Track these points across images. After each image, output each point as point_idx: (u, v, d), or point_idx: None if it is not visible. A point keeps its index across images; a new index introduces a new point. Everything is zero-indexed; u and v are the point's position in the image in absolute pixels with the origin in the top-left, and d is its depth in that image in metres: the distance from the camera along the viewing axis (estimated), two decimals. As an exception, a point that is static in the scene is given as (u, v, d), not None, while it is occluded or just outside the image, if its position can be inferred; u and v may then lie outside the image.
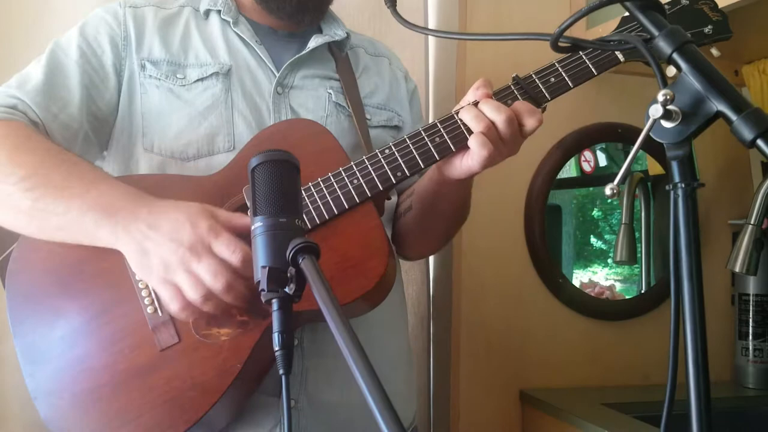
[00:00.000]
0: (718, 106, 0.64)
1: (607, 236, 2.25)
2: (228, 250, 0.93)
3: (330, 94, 1.23)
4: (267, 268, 0.73)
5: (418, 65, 1.74)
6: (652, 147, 1.93)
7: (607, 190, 0.66)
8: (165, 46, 1.18)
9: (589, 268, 2.24)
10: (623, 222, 2.05)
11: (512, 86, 1.09)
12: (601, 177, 2.28)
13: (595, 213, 2.29)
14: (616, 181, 0.66)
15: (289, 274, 0.73)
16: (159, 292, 0.97)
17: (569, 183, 2.23)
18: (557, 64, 1.09)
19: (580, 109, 1.87)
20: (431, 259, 1.85)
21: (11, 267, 1.06)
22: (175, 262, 0.93)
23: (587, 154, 2.18)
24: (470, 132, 1.05)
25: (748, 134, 0.62)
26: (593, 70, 1.09)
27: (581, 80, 1.09)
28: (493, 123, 1.04)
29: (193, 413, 0.98)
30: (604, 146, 2.17)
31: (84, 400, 1.00)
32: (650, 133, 0.67)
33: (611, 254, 2.20)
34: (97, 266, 1.04)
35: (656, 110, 0.65)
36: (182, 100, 1.15)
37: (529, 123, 1.05)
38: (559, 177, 1.95)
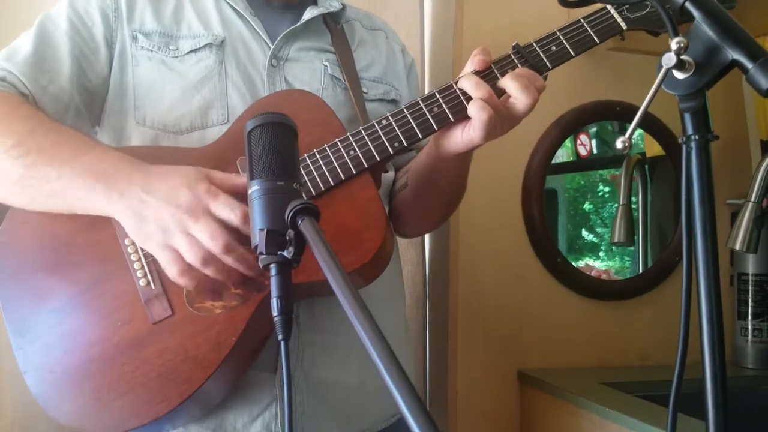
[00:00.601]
0: (734, 54, 0.62)
1: (598, 229, 2.24)
2: (227, 209, 0.91)
3: (326, 66, 1.21)
4: (265, 230, 0.71)
5: (414, 40, 1.72)
6: (649, 125, 1.95)
7: (618, 143, 0.64)
8: (157, 18, 1.15)
9: (580, 261, 2.23)
10: (621, 203, 2.04)
11: (512, 55, 1.07)
12: (598, 160, 2.27)
13: (587, 206, 2.27)
14: (627, 134, 0.63)
15: (287, 237, 0.71)
16: (158, 257, 0.94)
17: (565, 167, 2.21)
18: (558, 33, 1.07)
19: (578, 87, 1.85)
20: (427, 238, 1.83)
21: (0, 239, 1.03)
22: (172, 225, 0.91)
23: (583, 137, 2.16)
24: (470, 101, 1.03)
25: (765, 82, 0.60)
26: (595, 38, 1.06)
27: (583, 48, 1.06)
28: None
29: (186, 387, 0.96)
30: (596, 130, 2.16)
31: (75, 374, 0.98)
32: (662, 86, 0.65)
33: (602, 247, 2.21)
34: (89, 239, 1.02)
35: (669, 59, 0.62)
36: (175, 72, 1.12)
37: (524, 100, 1.01)
38: (554, 162, 1.94)
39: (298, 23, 1.19)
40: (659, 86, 0.64)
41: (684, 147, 0.65)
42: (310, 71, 1.19)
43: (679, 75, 0.65)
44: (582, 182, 2.28)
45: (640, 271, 2.07)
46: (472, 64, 1.06)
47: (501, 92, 1.03)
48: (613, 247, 2.21)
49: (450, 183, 1.21)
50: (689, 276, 0.68)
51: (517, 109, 1.01)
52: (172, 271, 0.93)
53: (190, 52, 1.13)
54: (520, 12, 1.77)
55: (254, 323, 0.99)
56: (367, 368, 1.13)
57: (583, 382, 1.70)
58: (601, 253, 2.20)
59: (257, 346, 1.04)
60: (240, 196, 0.93)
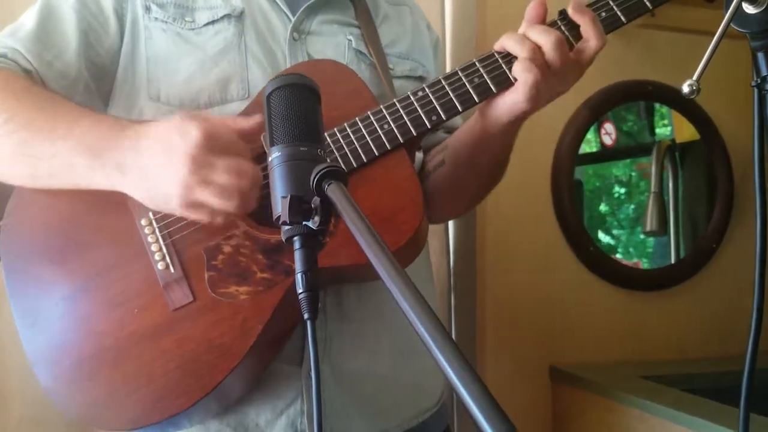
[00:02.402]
0: (814, -17, 0.55)
1: (615, 231, 2.21)
2: (234, 143, 0.88)
3: (350, 41, 1.15)
4: (288, 197, 0.65)
5: (434, 18, 1.65)
6: (681, 105, 1.89)
7: (685, 87, 0.57)
8: None
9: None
10: (652, 191, 2.00)
11: (558, 21, 1.00)
12: (624, 149, 2.21)
13: (602, 208, 2.24)
14: (695, 77, 0.56)
15: (313, 205, 0.65)
16: (191, 217, 0.90)
17: (592, 158, 2.16)
18: None
19: (607, 67, 1.80)
20: (451, 227, 1.77)
21: (5, 222, 0.98)
22: (186, 182, 0.85)
23: (608, 126, 2.10)
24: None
25: None
26: (647, 2, 0.99)
27: (635, 14, 0.99)
28: (539, 47, 0.94)
29: (209, 379, 0.90)
30: (617, 121, 2.10)
31: (87, 366, 0.92)
32: (732, 24, 0.58)
33: (620, 249, 2.18)
34: (101, 220, 0.97)
35: (742, -11, 0.56)
36: (191, 44, 1.07)
37: (592, 43, 0.95)
38: (579, 153, 1.89)
39: None
40: (730, 20, 0.57)
41: (756, 90, 0.58)
42: (334, 45, 1.13)
43: (750, 9, 0.58)
44: (597, 183, 2.27)
45: (672, 261, 2.02)
46: (528, 18, 0.99)
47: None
48: (631, 249, 2.20)
49: (492, 160, 1.14)
50: (763, 238, 0.60)
51: (587, 53, 0.96)
52: (218, 221, 0.90)
53: (208, 23, 1.08)
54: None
55: (281, 310, 0.93)
56: (399, 357, 1.08)
57: (622, 377, 1.65)
58: (618, 255, 2.17)
59: (283, 335, 0.98)
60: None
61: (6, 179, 0.98)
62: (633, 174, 2.27)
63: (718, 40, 0.58)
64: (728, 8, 0.58)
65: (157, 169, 0.87)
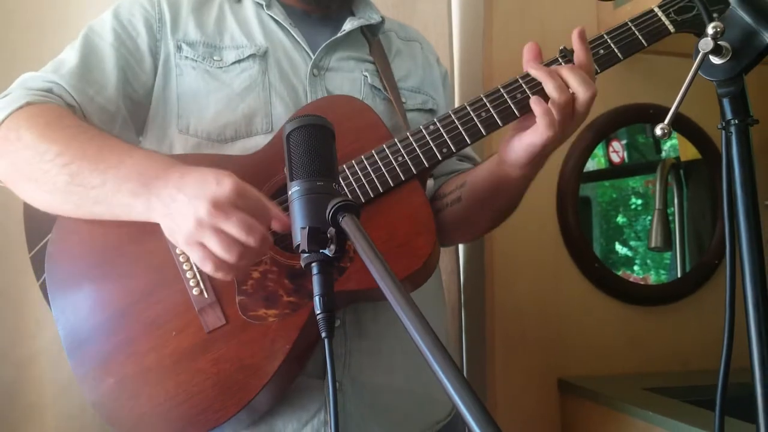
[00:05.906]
0: (770, 38, 0.62)
1: (632, 242, 2.21)
2: (258, 206, 0.91)
3: (365, 76, 1.22)
4: (307, 228, 0.72)
5: (443, 51, 1.71)
6: (683, 128, 1.94)
7: (657, 130, 0.64)
8: (200, 29, 1.17)
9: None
10: (657, 207, 2.02)
11: (559, 59, 1.06)
12: (632, 167, 2.24)
13: (620, 219, 2.26)
14: (666, 121, 0.63)
15: (328, 235, 0.72)
16: (189, 254, 0.93)
17: (599, 175, 2.19)
18: (606, 36, 1.06)
19: (610, 91, 1.84)
20: (461, 247, 1.82)
21: (50, 250, 1.04)
22: (200, 220, 0.88)
23: (615, 144, 2.14)
24: (518, 106, 1.03)
25: (802, 64, 0.60)
26: (643, 41, 1.06)
27: (630, 52, 1.06)
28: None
29: (242, 396, 0.97)
30: (627, 140, 2.14)
31: (131, 383, 0.99)
32: (700, 72, 0.65)
33: (637, 261, 2.19)
34: (140, 248, 1.03)
35: (706, 44, 0.63)
36: (219, 82, 1.14)
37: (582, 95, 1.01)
38: (587, 170, 1.93)
39: (339, 34, 1.21)
40: (696, 71, 0.64)
41: (723, 133, 0.65)
42: (350, 81, 1.20)
43: (716, 60, 0.65)
44: (614, 195, 2.27)
45: (678, 276, 2.05)
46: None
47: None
48: (648, 261, 2.21)
49: (509, 202, 1.20)
50: (733, 267, 0.67)
51: (579, 103, 1.01)
52: (206, 267, 0.91)
53: (235, 62, 1.15)
54: (550, 19, 1.78)
55: (306, 330, 0.99)
56: (413, 371, 1.13)
57: (626, 389, 1.68)
58: (635, 267, 2.18)
59: (308, 353, 1.05)
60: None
61: (54, 209, 1.04)
62: (649, 187, 2.29)
63: (686, 88, 0.65)
64: (696, 58, 0.65)
65: (184, 202, 0.90)
